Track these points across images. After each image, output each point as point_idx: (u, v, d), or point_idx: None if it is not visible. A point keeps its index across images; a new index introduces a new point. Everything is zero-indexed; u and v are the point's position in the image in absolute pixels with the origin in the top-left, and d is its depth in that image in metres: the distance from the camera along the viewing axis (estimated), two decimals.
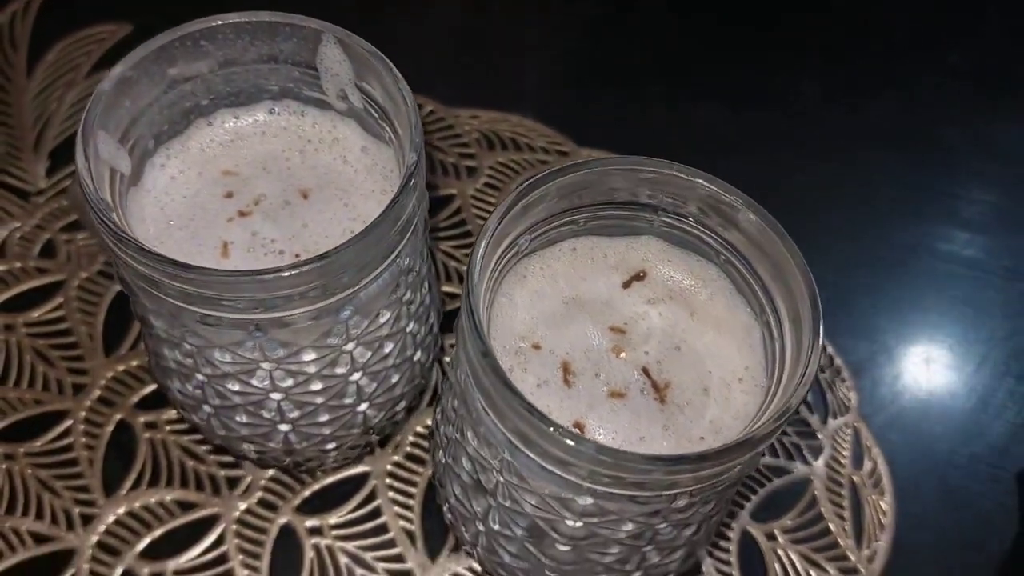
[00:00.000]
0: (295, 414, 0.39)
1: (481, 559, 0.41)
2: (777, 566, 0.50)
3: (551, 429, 0.29)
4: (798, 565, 0.51)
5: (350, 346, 0.37)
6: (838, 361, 0.58)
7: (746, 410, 0.35)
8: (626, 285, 0.38)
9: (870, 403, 0.56)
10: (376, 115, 0.38)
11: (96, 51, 0.65)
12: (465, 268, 0.33)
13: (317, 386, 0.38)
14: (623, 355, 0.36)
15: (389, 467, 0.51)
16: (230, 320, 0.33)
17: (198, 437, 0.51)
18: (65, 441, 0.51)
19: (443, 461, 0.40)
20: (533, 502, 0.34)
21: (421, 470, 0.51)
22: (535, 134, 0.64)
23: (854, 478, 0.54)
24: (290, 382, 0.37)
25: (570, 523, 0.34)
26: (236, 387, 0.37)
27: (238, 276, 0.31)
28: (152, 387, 0.52)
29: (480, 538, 0.39)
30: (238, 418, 0.39)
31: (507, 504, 0.35)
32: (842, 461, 0.54)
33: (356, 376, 0.39)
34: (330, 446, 0.42)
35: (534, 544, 0.37)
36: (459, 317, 0.35)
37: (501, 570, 0.40)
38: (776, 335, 0.34)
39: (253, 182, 0.39)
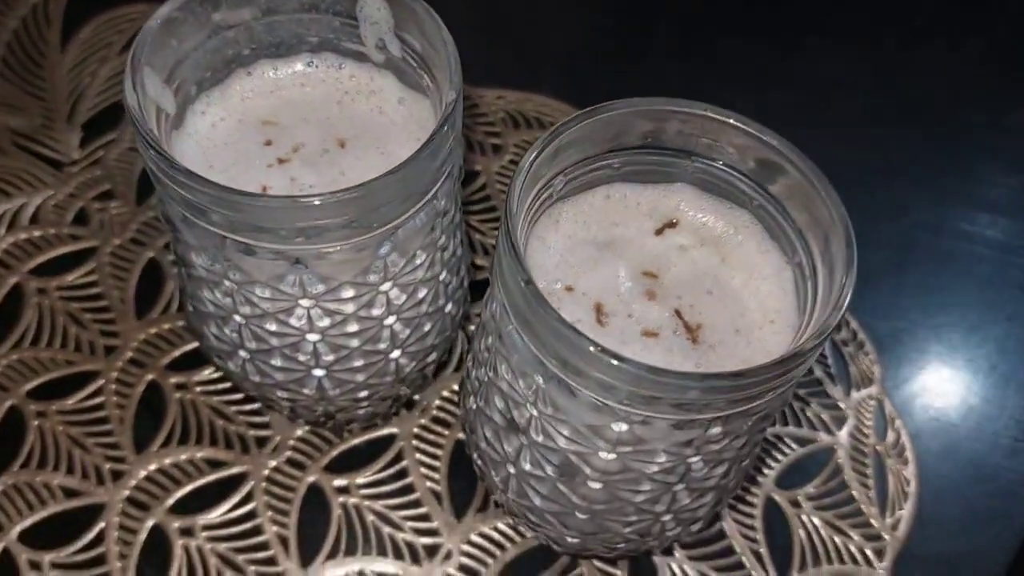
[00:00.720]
0: (330, 357, 0.40)
1: (510, 507, 0.42)
2: (801, 532, 0.51)
3: (592, 348, 0.29)
4: (822, 531, 0.51)
5: (386, 286, 0.37)
6: (861, 335, 0.58)
7: (778, 350, 0.35)
8: (658, 232, 0.38)
9: (893, 376, 0.57)
10: (415, 64, 0.39)
11: (128, 30, 0.66)
12: (495, 239, 0.33)
13: (353, 327, 0.38)
14: (655, 298, 0.37)
15: (416, 430, 0.52)
16: (272, 250, 0.34)
17: (228, 397, 0.52)
18: (96, 400, 0.51)
19: (474, 407, 0.40)
20: (567, 433, 0.34)
21: (447, 432, 0.52)
22: (559, 113, 0.65)
23: (878, 448, 0.54)
24: (327, 322, 0.38)
25: (603, 455, 0.34)
26: (273, 327, 0.38)
27: (281, 201, 0.32)
28: (183, 349, 0.53)
29: (510, 482, 0.39)
30: (274, 362, 0.40)
31: (539, 440, 0.36)
32: (865, 432, 0.54)
33: (390, 320, 0.39)
34: (362, 394, 0.42)
35: (565, 483, 0.37)
36: (494, 255, 0.36)
37: (531, 515, 0.40)
38: (808, 274, 0.35)
39: (292, 131, 0.40)
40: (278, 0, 0.38)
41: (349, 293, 0.37)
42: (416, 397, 0.52)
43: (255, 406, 0.52)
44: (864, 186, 0.65)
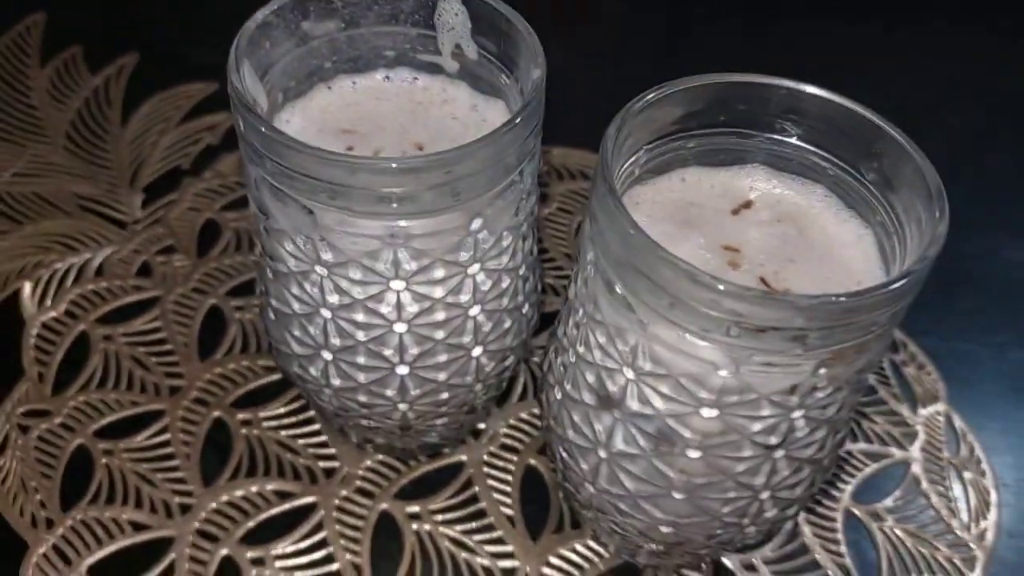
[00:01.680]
0: (415, 351, 0.40)
1: (598, 503, 0.41)
2: (888, 546, 0.49)
3: (701, 276, 0.30)
4: (907, 543, 0.49)
5: (474, 268, 0.38)
6: (921, 357, 0.58)
7: None
8: (735, 212, 0.39)
9: (957, 395, 0.56)
10: (492, 63, 0.41)
11: (185, 105, 0.69)
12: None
13: (440, 315, 0.39)
14: (739, 268, 0.37)
15: (485, 457, 0.51)
16: (366, 214, 0.34)
17: (295, 432, 0.51)
18: (162, 437, 0.51)
19: (558, 396, 0.40)
20: (666, 390, 0.34)
21: (516, 459, 0.51)
22: None
23: (953, 461, 0.53)
24: (416, 308, 0.38)
25: (705, 412, 0.34)
26: (361, 318, 0.38)
27: (376, 160, 0.33)
28: (248, 387, 0.53)
29: (600, 469, 0.39)
30: (358, 359, 0.40)
31: (635, 407, 0.36)
32: (938, 446, 0.53)
33: (475, 311, 0.40)
34: (443, 396, 0.42)
35: (661, 457, 0.36)
36: (581, 227, 0.37)
37: (621, 505, 0.40)
38: (893, 229, 0.36)
39: (370, 137, 0.42)
40: (360, 12, 0.41)
41: (440, 273, 0.37)
42: (482, 426, 0.52)
43: (322, 439, 0.51)
44: None
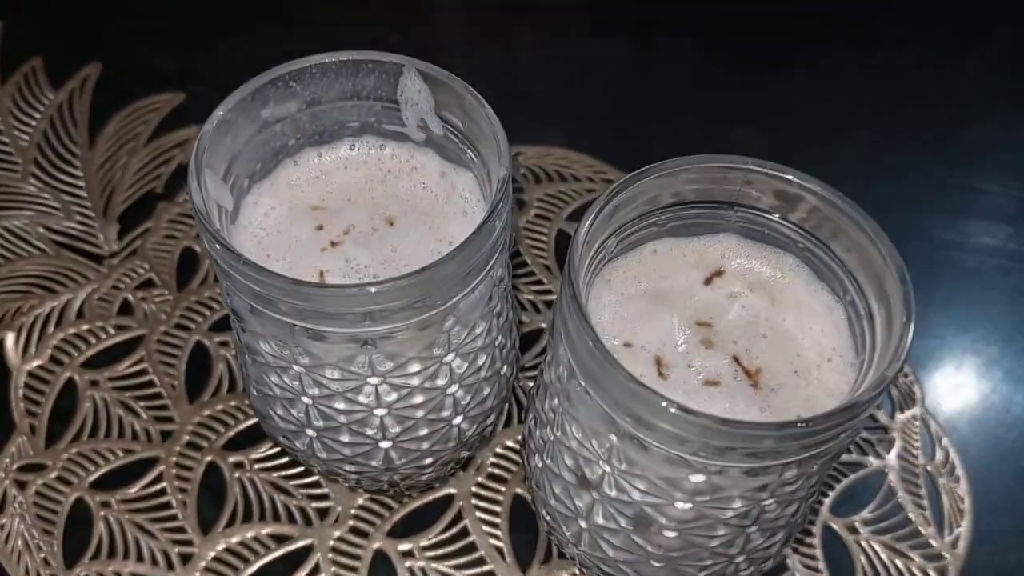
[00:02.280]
0: (396, 430, 0.41)
1: (582, 559, 0.42)
2: (863, 558, 0.51)
3: (664, 404, 0.31)
4: (883, 556, 0.51)
5: (449, 357, 0.38)
6: None
7: (839, 387, 0.36)
8: (707, 282, 0.40)
9: (934, 394, 0.58)
10: (457, 140, 0.40)
11: (153, 119, 0.68)
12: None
13: (419, 399, 0.39)
14: (712, 346, 0.38)
15: (473, 488, 0.52)
16: (341, 335, 0.35)
17: (286, 472, 0.52)
18: (158, 486, 0.52)
19: (539, 465, 0.41)
20: (642, 487, 0.35)
21: (504, 488, 0.52)
22: (579, 165, 0.67)
23: (928, 468, 0.54)
24: (394, 396, 0.39)
25: (680, 505, 0.35)
26: (342, 405, 0.39)
27: (349, 289, 0.33)
28: (238, 428, 0.54)
29: (583, 536, 0.40)
30: (342, 438, 0.41)
31: (613, 494, 0.37)
32: (914, 452, 0.55)
33: (453, 388, 0.40)
34: (427, 461, 0.43)
35: (640, 534, 0.38)
36: (553, 319, 0.37)
37: (604, 566, 0.41)
38: (863, 313, 0.36)
39: (341, 214, 0.41)
40: (321, 90, 0.40)
41: (415, 368, 0.38)
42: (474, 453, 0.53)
43: (313, 478, 0.52)
44: (879, 210, 0.66)
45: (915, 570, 0.51)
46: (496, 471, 0.53)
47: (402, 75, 0.40)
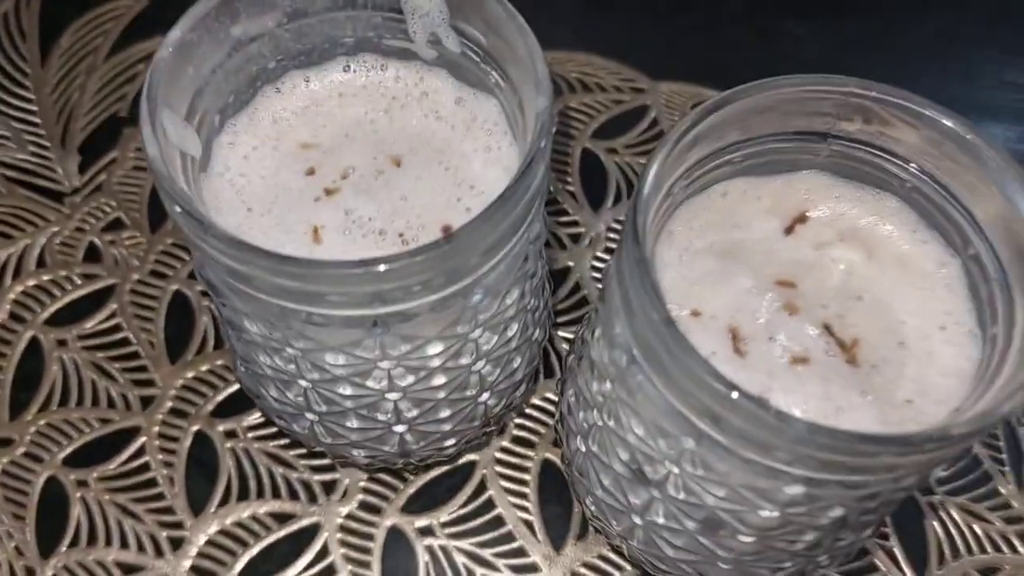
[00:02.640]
0: (413, 413, 0.34)
1: (632, 553, 0.36)
2: (936, 524, 0.46)
3: (759, 409, 0.24)
4: (958, 519, 0.46)
5: (476, 333, 0.32)
6: None
7: (956, 363, 0.30)
8: (788, 230, 0.33)
9: None
10: (478, 58, 0.32)
11: (113, 29, 0.59)
12: (623, 226, 0.27)
13: (440, 380, 0.33)
14: (798, 312, 0.31)
15: (497, 454, 0.46)
16: (343, 318, 0.28)
17: (285, 442, 0.46)
18: (140, 461, 0.46)
19: (582, 449, 0.35)
20: (720, 493, 0.29)
21: (532, 454, 0.46)
22: (604, 72, 0.58)
23: (1009, 418, 0.48)
24: (410, 379, 0.32)
25: (765, 514, 0.29)
26: (348, 391, 0.32)
27: (349, 267, 0.26)
28: (228, 391, 0.48)
29: (636, 532, 0.34)
30: (348, 423, 0.34)
31: (679, 496, 0.30)
32: None
33: (480, 365, 0.34)
34: (448, 443, 0.37)
35: (709, 536, 0.32)
36: (607, 286, 0.30)
37: (660, 563, 0.35)
38: (993, 274, 0.29)
39: (336, 153, 0.34)
40: (306, 0, 0.32)
41: (436, 348, 0.31)
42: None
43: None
44: None
45: (994, 535, 0.45)
46: (522, 434, 0.47)
47: None
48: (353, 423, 0.35)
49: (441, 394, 0.34)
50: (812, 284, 0.31)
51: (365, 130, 0.34)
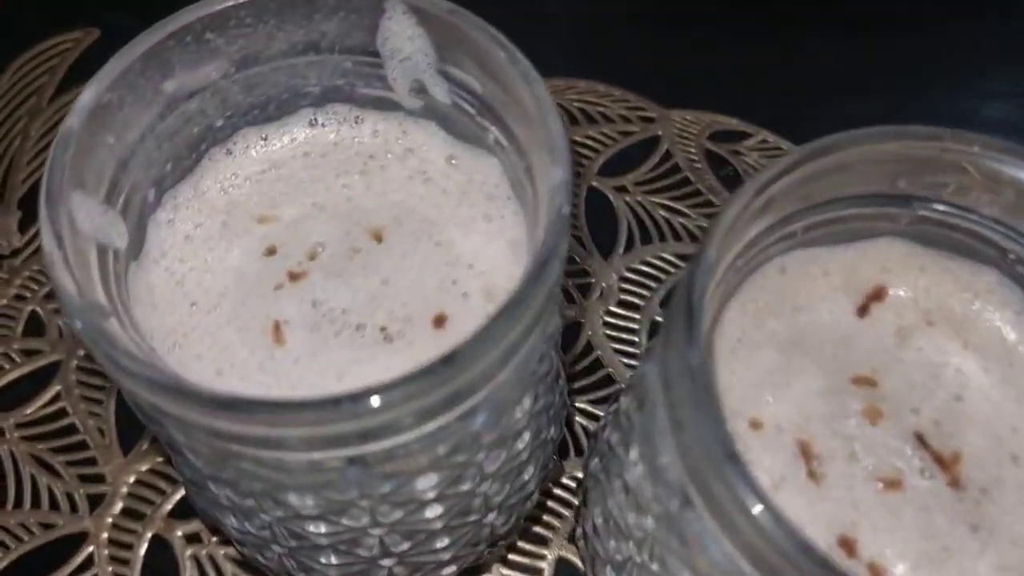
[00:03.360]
0: (404, 546, 0.28)
1: None
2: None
3: None
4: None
5: (480, 456, 0.25)
6: None
7: None
8: (862, 311, 0.26)
9: None
10: (473, 109, 0.26)
11: (59, 67, 0.53)
12: (667, 323, 0.21)
13: (435, 511, 0.26)
14: (882, 418, 0.25)
15: (505, 551, 0.40)
16: (312, 462, 0.21)
17: None
18: (89, 573, 0.39)
19: None
20: None
21: (546, 552, 0.40)
22: (609, 100, 0.52)
23: None
24: (399, 514, 0.26)
25: None
26: (322, 528, 0.26)
27: (322, 406, 0.19)
28: None
29: None
30: (323, 559, 0.28)
31: None
32: None
33: (484, 487, 0.27)
34: (448, 571, 0.31)
35: None
36: (643, 397, 0.24)
37: None
38: None
39: (302, 227, 0.28)
40: (257, 44, 0.25)
41: (430, 481, 0.24)
42: None
43: None
44: None
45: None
46: (533, 527, 0.40)
47: (382, 14, 0.25)
48: (331, 559, 0.28)
49: (438, 524, 0.27)
50: (897, 382, 0.25)
51: (336, 198, 0.28)
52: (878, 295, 0.27)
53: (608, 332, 0.45)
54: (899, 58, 0.55)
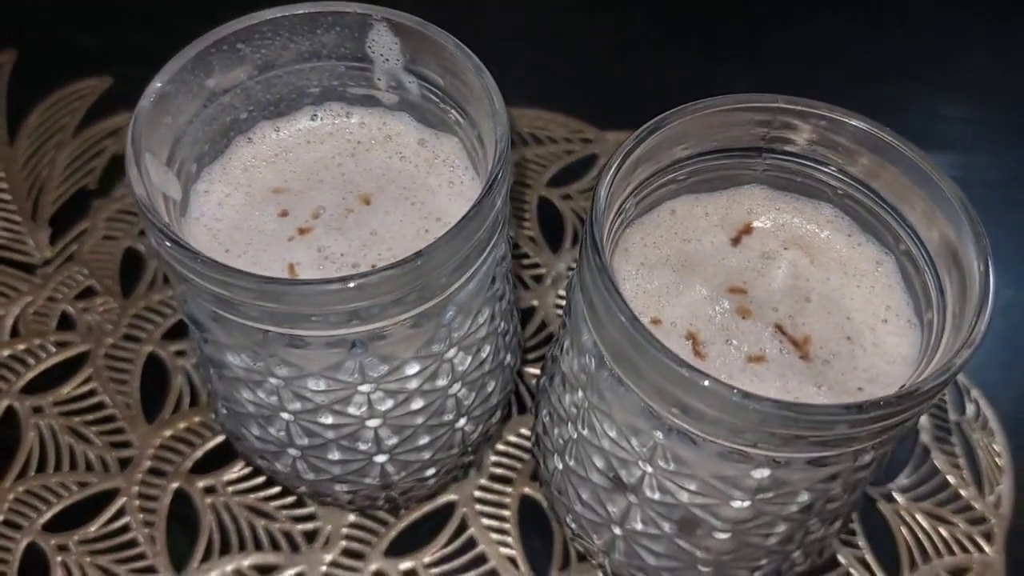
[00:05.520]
0: (393, 441, 0.35)
1: (616, 569, 0.37)
2: (904, 529, 0.47)
3: (723, 390, 0.26)
4: (924, 524, 0.47)
5: (451, 352, 0.33)
6: None
7: (899, 351, 0.32)
8: (735, 241, 0.35)
9: None
10: (437, 100, 0.35)
11: (80, 108, 0.61)
12: (581, 242, 0.29)
13: (418, 404, 0.34)
14: (751, 315, 0.33)
15: (476, 492, 0.47)
16: (323, 339, 0.29)
17: (264, 494, 0.47)
18: (121, 522, 0.46)
19: (560, 467, 0.36)
20: (692, 487, 0.30)
21: (510, 490, 0.47)
22: (554, 125, 0.61)
23: (960, 424, 0.51)
24: (390, 404, 0.33)
25: (736, 504, 0.30)
26: (329, 420, 0.34)
27: (328, 284, 0.27)
28: (205, 448, 0.48)
29: (617, 544, 0.35)
30: (330, 456, 0.35)
31: (656, 497, 0.32)
32: (944, 408, 0.51)
33: (456, 388, 0.35)
34: (429, 472, 0.38)
35: (686, 538, 0.33)
36: (571, 299, 0.32)
37: (640, 574, 0.36)
38: (924, 264, 0.31)
39: (307, 195, 0.36)
40: (273, 53, 0.34)
41: (414, 369, 0.32)
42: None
43: (295, 497, 0.47)
44: None
45: (960, 536, 0.47)
46: (499, 471, 0.48)
47: (369, 28, 0.34)
48: (335, 455, 0.36)
49: (420, 419, 0.35)
50: (762, 289, 0.34)
51: (333, 173, 0.36)
52: (747, 229, 0.35)
53: (558, 312, 0.53)
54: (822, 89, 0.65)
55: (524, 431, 0.49)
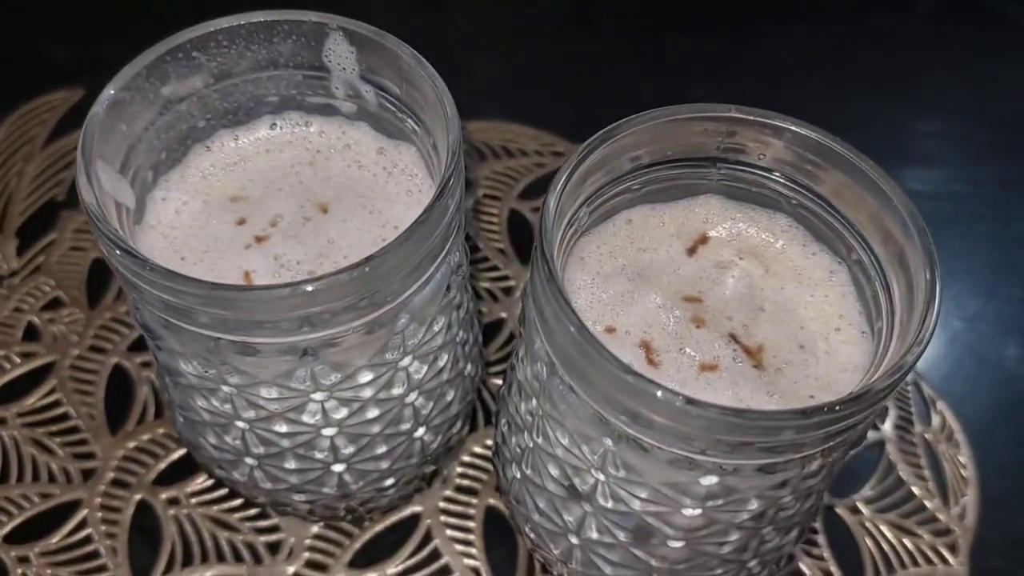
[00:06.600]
0: (350, 450, 0.35)
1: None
2: (868, 540, 0.47)
3: (666, 396, 0.26)
4: (889, 535, 0.47)
5: (406, 361, 0.33)
6: None
7: (852, 360, 0.32)
8: (691, 251, 0.35)
9: (924, 359, 0.54)
10: (394, 108, 0.35)
11: (50, 119, 0.61)
12: (534, 251, 0.29)
13: (373, 412, 0.34)
14: (705, 324, 0.33)
15: (440, 504, 0.47)
16: (275, 346, 0.29)
17: (227, 505, 0.46)
18: (83, 533, 0.46)
19: (518, 476, 0.36)
20: (643, 495, 0.30)
21: (475, 501, 0.47)
22: (525, 138, 0.62)
23: (926, 436, 0.51)
24: (344, 412, 0.33)
25: (687, 512, 0.30)
26: (284, 428, 0.33)
27: (281, 290, 0.27)
28: (169, 460, 0.48)
29: (574, 553, 0.35)
30: (287, 464, 0.35)
31: (608, 506, 0.32)
32: (910, 420, 0.51)
33: (412, 397, 0.35)
34: (388, 482, 0.38)
35: (641, 547, 0.33)
36: (524, 308, 0.32)
37: None
38: (874, 274, 0.31)
39: (265, 203, 0.36)
40: (230, 61, 0.34)
41: (367, 377, 0.32)
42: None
43: (259, 509, 0.46)
44: None
45: (924, 548, 0.47)
46: (464, 482, 0.48)
47: (325, 37, 0.34)
48: (291, 464, 0.35)
49: (376, 428, 0.35)
50: (716, 299, 0.34)
51: (292, 181, 0.36)
52: (703, 239, 0.35)
53: None
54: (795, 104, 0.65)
55: (490, 442, 0.49)
